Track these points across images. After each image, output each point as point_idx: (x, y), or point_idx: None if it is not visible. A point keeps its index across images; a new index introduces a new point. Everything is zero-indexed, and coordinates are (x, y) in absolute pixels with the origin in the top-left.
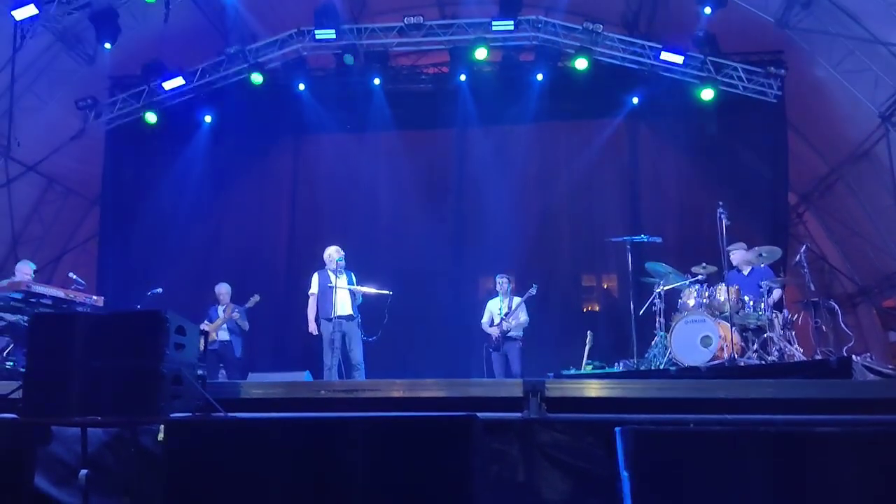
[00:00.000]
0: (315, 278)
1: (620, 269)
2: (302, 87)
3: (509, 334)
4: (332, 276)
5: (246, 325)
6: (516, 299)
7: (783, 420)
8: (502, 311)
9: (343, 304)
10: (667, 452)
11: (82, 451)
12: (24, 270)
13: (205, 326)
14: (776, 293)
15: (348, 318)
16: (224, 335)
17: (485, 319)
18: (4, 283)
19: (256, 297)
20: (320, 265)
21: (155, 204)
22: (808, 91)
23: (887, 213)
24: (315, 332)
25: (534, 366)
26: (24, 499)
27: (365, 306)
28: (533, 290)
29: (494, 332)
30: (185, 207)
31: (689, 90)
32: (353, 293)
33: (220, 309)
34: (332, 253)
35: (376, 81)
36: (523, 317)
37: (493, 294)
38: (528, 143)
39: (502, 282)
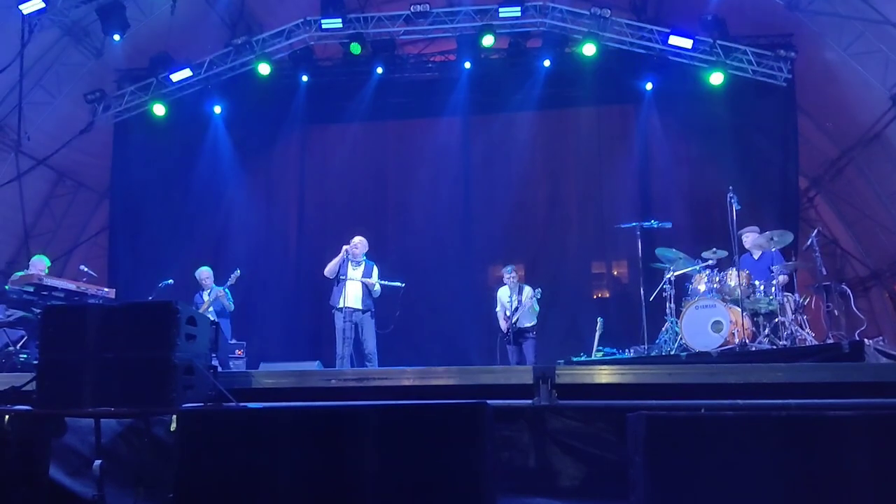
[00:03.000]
0: (335, 261)
1: (630, 256)
2: (308, 77)
3: (521, 327)
4: (350, 266)
5: (230, 306)
6: (526, 291)
7: (795, 404)
8: (512, 303)
9: (353, 296)
10: (679, 438)
11: (96, 441)
12: (39, 266)
13: None
14: (783, 277)
15: (357, 310)
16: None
17: (498, 308)
18: (17, 276)
19: (237, 273)
20: (330, 253)
21: (165, 195)
22: (818, 74)
23: None
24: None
25: (544, 353)
26: (39, 490)
27: (378, 299)
28: (537, 294)
29: (504, 325)
30: (194, 198)
31: (697, 75)
32: (366, 285)
33: (206, 293)
34: (357, 242)
35: (378, 70)
36: (534, 310)
37: (502, 282)
38: (537, 130)
39: (510, 274)
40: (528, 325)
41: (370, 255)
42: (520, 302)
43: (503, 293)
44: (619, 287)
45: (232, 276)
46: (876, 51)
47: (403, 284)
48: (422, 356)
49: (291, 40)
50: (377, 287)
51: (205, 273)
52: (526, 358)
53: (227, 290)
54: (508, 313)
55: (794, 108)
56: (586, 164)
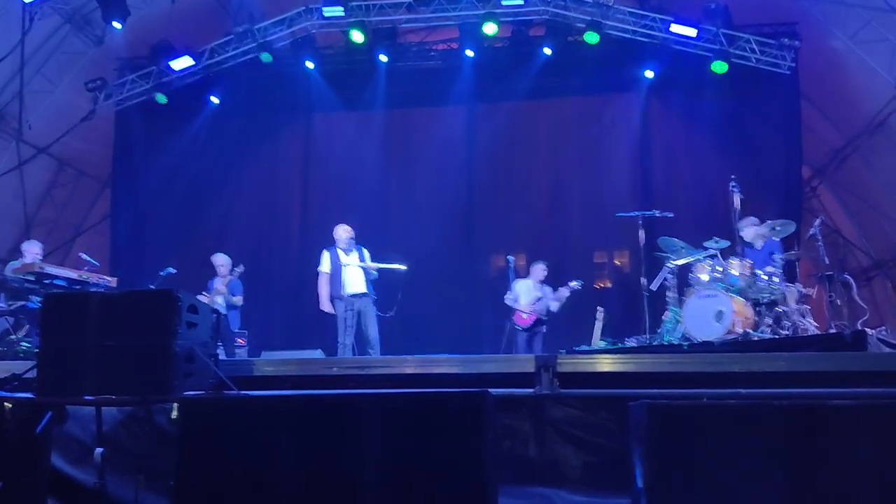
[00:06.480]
0: (325, 256)
1: (632, 245)
2: (311, 65)
3: (542, 318)
4: (342, 254)
5: (238, 301)
6: (548, 289)
7: (797, 393)
8: (530, 293)
9: (355, 282)
10: (680, 426)
11: (97, 429)
12: (34, 250)
13: (201, 299)
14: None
15: (361, 295)
16: (220, 308)
17: (511, 296)
18: (18, 264)
19: (240, 268)
20: (331, 243)
21: (166, 184)
22: (823, 62)
23: None
24: (329, 310)
25: (546, 343)
26: (40, 477)
27: (379, 283)
28: (576, 285)
29: (524, 308)
30: (196, 187)
31: (701, 63)
32: (365, 270)
33: (218, 281)
34: (341, 231)
35: (382, 58)
36: (555, 306)
37: (506, 270)
38: (539, 119)
39: (541, 269)
40: (544, 317)
41: (370, 243)
42: (544, 294)
43: (523, 285)
44: (621, 276)
45: (235, 270)
46: (882, 39)
47: (405, 267)
48: (423, 344)
49: (293, 28)
50: (374, 273)
51: (220, 259)
52: (533, 349)
53: (239, 282)
54: (524, 301)
55: (798, 97)
56: (588, 152)
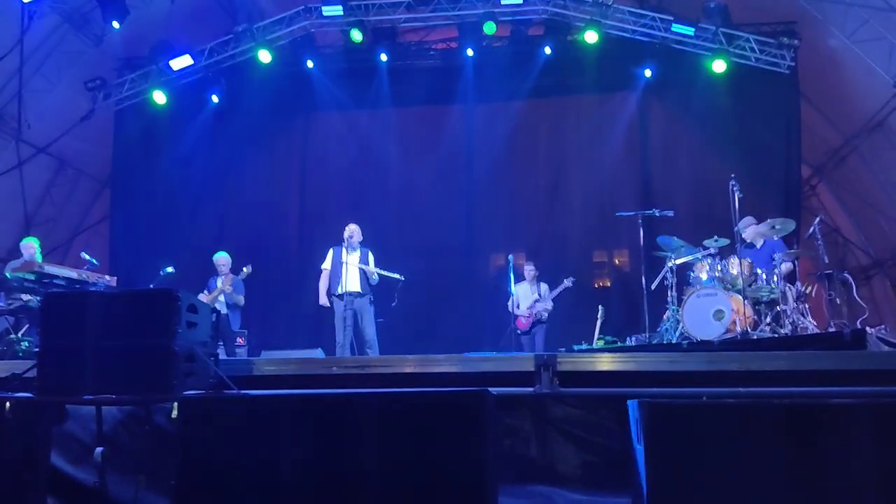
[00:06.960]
0: (329, 254)
1: (632, 244)
2: (310, 64)
3: (541, 318)
4: (344, 252)
5: (240, 300)
6: (544, 286)
7: (797, 392)
8: (533, 295)
9: (352, 280)
10: (680, 425)
11: (97, 429)
12: (29, 249)
13: (202, 297)
14: (785, 266)
15: (357, 294)
16: (221, 308)
17: (511, 302)
18: (18, 263)
19: (248, 269)
20: (332, 242)
21: (166, 184)
22: (821, 62)
23: None
24: (326, 304)
25: (547, 341)
26: (40, 477)
27: (377, 288)
28: (568, 283)
29: (524, 313)
30: (195, 187)
31: (700, 62)
32: (364, 271)
33: (220, 280)
34: (346, 230)
35: (383, 57)
36: (550, 304)
37: (505, 271)
38: (539, 118)
39: (530, 269)
40: (544, 317)
41: (369, 243)
42: (540, 295)
43: (521, 288)
44: (621, 276)
45: (243, 270)
46: (880, 38)
47: (402, 278)
48: (423, 344)
49: (292, 27)
50: (375, 276)
51: (222, 259)
52: (536, 345)
53: (242, 282)
54: (524, 305)
55: (797, 96)
56: (588, 152)
